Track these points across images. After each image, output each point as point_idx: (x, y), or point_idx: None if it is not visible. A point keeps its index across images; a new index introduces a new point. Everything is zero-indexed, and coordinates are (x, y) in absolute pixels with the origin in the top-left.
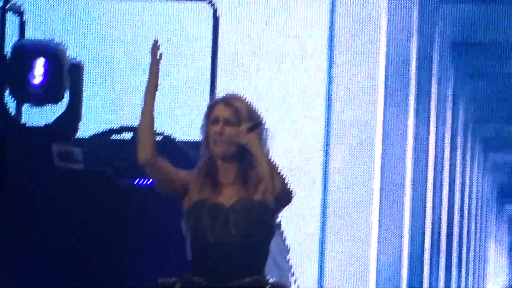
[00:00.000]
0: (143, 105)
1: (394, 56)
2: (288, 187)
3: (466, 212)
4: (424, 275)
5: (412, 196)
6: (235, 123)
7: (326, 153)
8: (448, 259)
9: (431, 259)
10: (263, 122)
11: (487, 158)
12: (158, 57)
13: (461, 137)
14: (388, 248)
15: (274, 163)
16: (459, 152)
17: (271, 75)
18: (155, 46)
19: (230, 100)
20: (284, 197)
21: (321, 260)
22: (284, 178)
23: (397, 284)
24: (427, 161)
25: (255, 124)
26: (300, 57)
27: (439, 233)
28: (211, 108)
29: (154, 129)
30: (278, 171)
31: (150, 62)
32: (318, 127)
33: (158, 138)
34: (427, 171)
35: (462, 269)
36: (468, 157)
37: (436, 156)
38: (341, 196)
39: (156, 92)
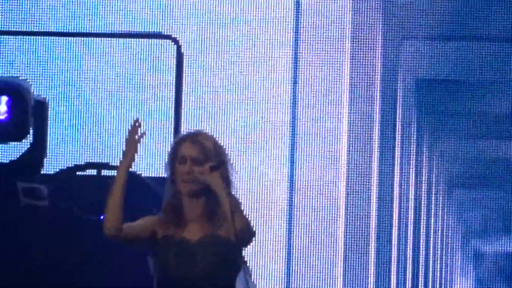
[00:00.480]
0: (115, 181)
1: (358, 93)
2: (249, 226)
3: (431, 248)
4: None
5: (377, 235)
6: (202, 162)
7: (292, 186)
8: None
9: None
10: (228, 159)
11: (452, 194)
12: (138, 137)
13: (425, 173)
14: (354, 284)
15: (237, 202)
16: (424, 188)
17: (235, 109)
18: (135, 126)
19: (197, 138)
20: (246, 236)
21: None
22: (247, 217)
23: None
24: (392, 198)
25: (218, 163)
26: (265, 92)
27: (405, 271)
28: (177, 146)
29: (123, 204)
30: (241, 210)
31: (128, 139)
32: (283, 166)
33: None
34: (392, 208)
35: None
36: (432, 193)
37: (400, 193)
38: (306, 231)
39: (130, 169)
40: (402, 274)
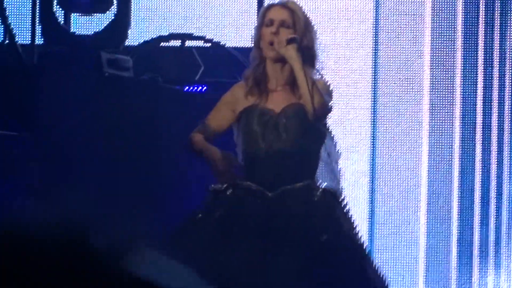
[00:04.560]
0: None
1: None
2: (326, 104)
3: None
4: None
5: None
6: (290, 25)
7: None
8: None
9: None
10: (314, 32)
11: None
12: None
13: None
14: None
15: (313, 80)
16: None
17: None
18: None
19: (286, 3)
20: (324, 113)
21: (372, 164)
22: (323, 98)
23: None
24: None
25: (298, 35)
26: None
27: (489, 183)
28: (266, 10)
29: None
30: (317, 86)
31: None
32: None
33: (208, 44)
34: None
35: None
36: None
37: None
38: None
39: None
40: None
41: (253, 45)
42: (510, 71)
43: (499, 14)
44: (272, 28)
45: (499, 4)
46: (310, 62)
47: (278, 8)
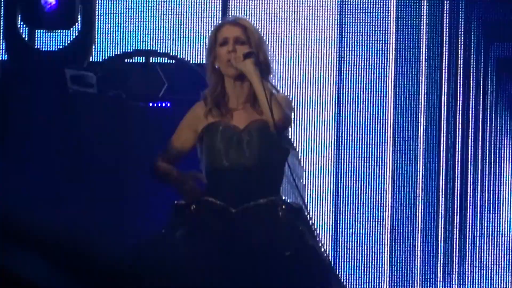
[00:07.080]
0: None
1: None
2: (286, 116)
3: (480, 136)
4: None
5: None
6: (244, 41)
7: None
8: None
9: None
10: (266, 45)
11: (501, 77)
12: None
13: (473, 57)
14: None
15: (272, 93)
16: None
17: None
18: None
19: (237, 20)
20: (283, 126)
21: (336, 179)
22: (283, 110)
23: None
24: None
25: (251, 51)
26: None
27: (454, 161)
28: (217, 30)
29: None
30: (277, 102)
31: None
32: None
33: (172, 61)
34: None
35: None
36: (481, 77)
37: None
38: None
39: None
40: (451, 163)
41: (207, 66)
42: (473, 99)
43: (462, 31)
44: (229, 46)
45: (462, 22)
46: (267, 76)
47: (230, 26)
